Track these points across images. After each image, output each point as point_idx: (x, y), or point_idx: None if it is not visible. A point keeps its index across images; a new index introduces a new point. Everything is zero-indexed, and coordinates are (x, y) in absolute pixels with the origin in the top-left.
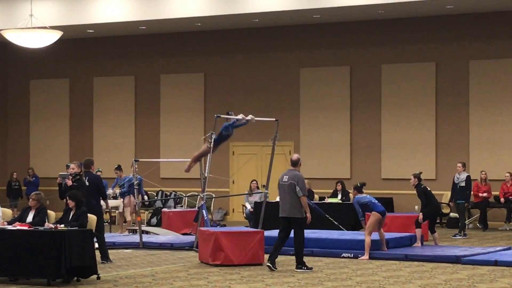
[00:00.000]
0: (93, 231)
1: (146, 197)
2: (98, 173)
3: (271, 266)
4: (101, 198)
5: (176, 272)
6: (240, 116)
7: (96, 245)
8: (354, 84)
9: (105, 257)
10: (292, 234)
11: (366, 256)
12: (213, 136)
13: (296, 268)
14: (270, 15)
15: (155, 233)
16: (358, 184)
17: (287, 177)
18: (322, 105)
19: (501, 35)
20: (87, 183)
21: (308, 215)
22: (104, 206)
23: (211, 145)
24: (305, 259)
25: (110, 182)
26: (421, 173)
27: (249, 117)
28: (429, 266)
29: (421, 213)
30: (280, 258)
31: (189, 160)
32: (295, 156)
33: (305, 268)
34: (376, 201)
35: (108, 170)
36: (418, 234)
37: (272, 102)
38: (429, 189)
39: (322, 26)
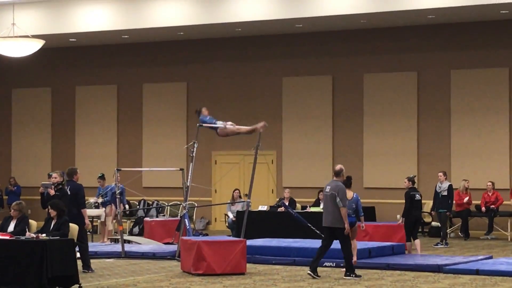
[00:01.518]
0: (75, 240)
1: (127, 206)
2: None
3: (312, 274)
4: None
5: (158, 281)
6: (221, 124)
7: (78, 254)
8: (336, 93)
9: (87, 267)
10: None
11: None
12: (196, 145)
13: (345, 275)
14: (252, 24)
15: (137, 242)
16: (346, 178)
17: (329, 187)
18: (304, 114)
19: (482, 45)
20: (68, 192)
21: (346, 226)
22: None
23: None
24: (287, 268)
25: (92, 191)
26: (414, 176)
27: (228, 124)
28: (411, 275)
29: (403, 218)
30: (262, 267)
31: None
32: (338, 167)
33: (353, 275)
34: (351, 210)
35: (90, 179)
36: (415, 244)
37: (254, 111)
38: (418, 197)
39: (304, 36)
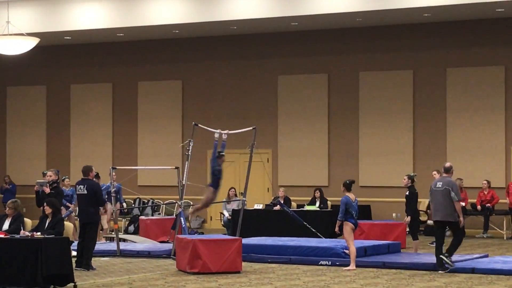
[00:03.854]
0: (70, 239)
1: (124, 205)
2: (67, 181)
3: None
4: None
5: (154, 280)
6: (217, 132)
7: (74, 252)
8: (332, 91)
9: (86, 265)
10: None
11: (352, 266)
12: (191, 144)
13: (443, 255)
14: (248, 22)
15: (132, 241)
16: (347, 181)
17: (441, 183)
18: (300, 113)
19: (478, 43)
20: (85, 191)
21: (461, 218)
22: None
23: (213, 187)
24: (283, 266)
25: None
26: (415, 175)
27: (224, 133)
28: (407, 274)
29: (409, 217)
30: (258, 266)
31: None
32: (448, 164)
33: (448, 260)
34: (354, 212)
35: None
36: (416, 244)
37: (250, 109)
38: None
39: (300, 34)
